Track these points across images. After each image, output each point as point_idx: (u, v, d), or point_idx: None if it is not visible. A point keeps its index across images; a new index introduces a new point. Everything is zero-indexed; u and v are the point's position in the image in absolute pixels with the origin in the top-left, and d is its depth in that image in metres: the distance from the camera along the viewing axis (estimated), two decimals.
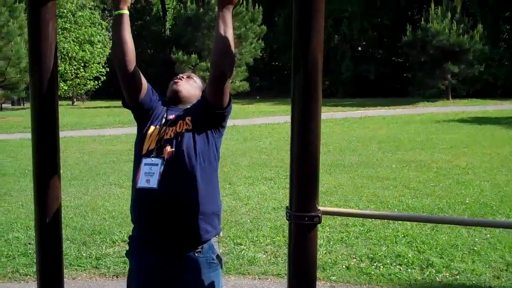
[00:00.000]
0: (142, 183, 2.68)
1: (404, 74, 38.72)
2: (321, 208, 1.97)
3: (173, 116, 2.82)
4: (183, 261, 2.68)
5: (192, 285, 2.69)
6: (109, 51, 44.82)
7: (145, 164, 2.70)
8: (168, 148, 2.70)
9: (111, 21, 2.71)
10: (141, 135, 2.83)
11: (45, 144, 2.32)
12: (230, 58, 2.65)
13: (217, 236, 2.79)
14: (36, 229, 2.37)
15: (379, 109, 28.13)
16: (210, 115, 2.76)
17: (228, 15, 2.61)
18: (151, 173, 2.67)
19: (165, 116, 2.84)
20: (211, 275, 2.71)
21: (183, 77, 2.97)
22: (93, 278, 5.48)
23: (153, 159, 2.70)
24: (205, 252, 2.70)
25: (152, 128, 2.81)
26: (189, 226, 2.68)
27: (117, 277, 5.46)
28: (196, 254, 2.68)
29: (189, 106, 2.89)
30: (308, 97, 1.91)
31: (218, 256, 2.75)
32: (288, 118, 14.23)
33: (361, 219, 6.95)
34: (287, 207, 2.00)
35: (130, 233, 2.92)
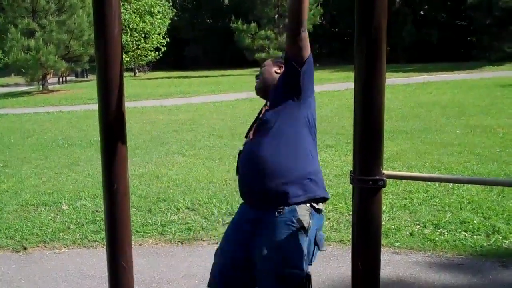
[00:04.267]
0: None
1: (468, 38, 37.68)
2: (385, 172, 1.94)
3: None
4: (264, 218, 2.87)
5: (266, 240, 2.83)
6: (169, 21, 45.39)
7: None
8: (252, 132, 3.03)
9: None
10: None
11: (112, 113, 2.34)
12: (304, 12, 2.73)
13: (306, 203, 2.84)
14: (104, 197, 2.41)
15: (442, 74, 27.53)
16: (288, 79, 2.88)
17: None
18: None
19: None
20: (287, 236, 2.78)
21: (257, 76, 3.20)
22: (159, 244, 5.61)
23: (244, 140, 3.09)
24: (285, 214, 2.80)
25: None
26: (267, 191, 2.84)
27: (182, 244, 5.57)
28: (276, 214, 2.81)
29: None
30: (372, 59, 1.87)
31: (299, 220, 2.79)
32: (349, 85, 14.27)
33: (424, 185, 6.87)
34: (351, 171, 1.98)
35: None
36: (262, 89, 3.12)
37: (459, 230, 5.46)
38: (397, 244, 5.21)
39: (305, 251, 2.78)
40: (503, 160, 8.38)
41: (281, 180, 2.81)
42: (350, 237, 5.38)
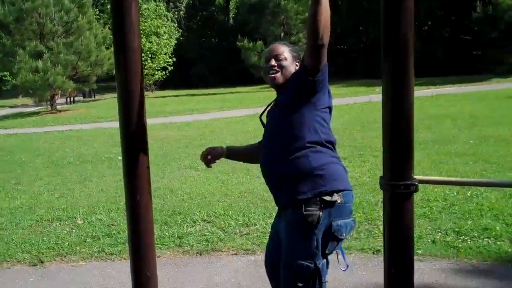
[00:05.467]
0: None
1: (474, 52, 37.60)
2: (416, 176, 1.92)
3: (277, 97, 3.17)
4: (284, 215, 3.06)
5: (284, 236, 3.00)
6: (175, 41, 45.62)
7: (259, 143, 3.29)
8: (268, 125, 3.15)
9: None
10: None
11: (133, 125, 2.34)
12: (328, 28, 2.76)
13: (316, 198, 2.89)
14: (127, 208, 2.39)
15: (450, 87, 27.47)
16: (304, 82, 2.89)
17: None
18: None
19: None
20: (296, 230, 2.93)
21: (275, 68, 3.07)
22: (177, 256, 5.54)
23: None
24: (297, 210, 2.92)
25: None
26: (283, 188, 3.02)
27: (200, 255, 5.50)
28: (291, 210, 2.96)
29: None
30: (401, 69, 1.91)
31: (308, 215, 2.88)
32: (357, 99, 14.36)
33: (442, 194, 6.79)
34: (380, 176, 1.96)
35: None
36: (282, 84, 3.07)
37: (482, 237, 5.37)
38: (420, 251, 5.12)
39: (314, 244, 2.88)
40: None
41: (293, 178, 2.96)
42: (371, 245, 5.31)
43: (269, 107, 3.25)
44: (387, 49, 1.91)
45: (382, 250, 5.21)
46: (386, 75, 1.92)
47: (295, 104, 2.92)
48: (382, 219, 2.00)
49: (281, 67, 3.05)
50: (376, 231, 5.70)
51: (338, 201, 2.90)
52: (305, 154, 2.92)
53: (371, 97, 22.91)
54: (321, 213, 2.86)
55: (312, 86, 2.86)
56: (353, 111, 18.93)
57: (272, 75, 3.05)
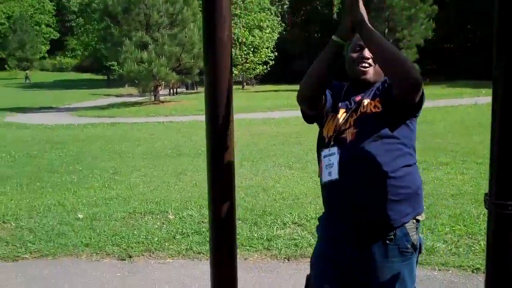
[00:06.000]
0: (325, 177, 2.53)
1: None
2: None
3: (359, 97, 2.58)
4: (373, 249, 2.46)
5: (379, 273, 2.47)
6: (277, 35, 45.66)
7: (324, 157, 2.55)
8: (350, 131, 2.50)
9: (325, 48, 2.47)
10: (321, 129, 2.68)
11: (220, 125, 2.27)
12: (407, 63, 2.29)
13: (414, 220, 2.52)
14: (209, 208, 2.35)
15: None
16: (402, 106, 2.44)
17: (368, 27, 2.33)
18: (331, 164, 2.50)
19: (347, 100, 2.63)
20: (402, 264, 2.47)
21: (367, 61, 2.58)
22: (264, 260, 5.40)
23: (330, 149, 2.52)
24: (397, 240, 2.45)
25: (330, 116, 2.63)
26: (378, 213, 2.44)
27: (288, 260, 5.34)
28: (388, 242, 2.45)
29: (377, 85, 2.59)
30: None
31: (413, 244, 2.49)
32: (461, 101, 13.67)
33: None
34: (485, 194, 1.75)
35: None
36: (374, 83, 2.61)
37: None
38: None
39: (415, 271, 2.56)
40: None
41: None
42: (471, 262, 4.95)
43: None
44: (500, 48, 1.67)
45: (482, 268, 4.87)
46: (498, 77, 1.70)
47: (393, 114, 2.49)
48: (484, 233, 1.80)
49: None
50: (477, 247, 5.32)
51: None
52: (405, 169, 2.57)
53: (477, 99, 21.96)
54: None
55: (411, 110, 2.48)
56: (457, 113, 18.21)
57: (365, 69, 2.58)
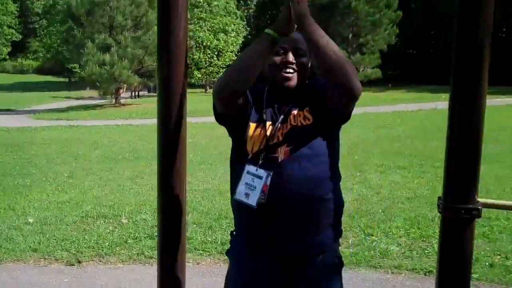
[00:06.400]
0: (240, 195, 2.24)
1: None
2: (480, 200, 1.66)
3: (285, 107, 2.29)
4: (304, 268, 2.29)
5: None
6: (242, 39, 45.62)
7: (248, 172, 2.23)
8: (282, 149, 2.22)
9: (257, 40, 2.23)
10: (243, 138, 2.31)
11: (170, 128, 2.25)
12: (353, 68, 2.09)
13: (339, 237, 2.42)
14: (158, 212, 2.35)
15: None
16: (333, 114, 2.24)
17: (313, 21, 2.09)
18: (252, 186, 2.21)
19: (271, 107, 2.32)
20: (333, 278, 2.36)
21: (291, 66, 2.27)
22: (217, 264, 5.31)
23: (258, 170, 2.20)
24: (326, 256, 2.31)
25: (253, 125, 2.29)
26: (307, 236, 2.25)
27: None
28: (318, 259, 2.29)
29: (302, 91, 2.32)
30: (474, 79, 1.73)
31: (339, 258, 2.38)
32: (421, 106, 13.78)
33: (505, 212, 6.33)
34: (439, 197, 1.81)
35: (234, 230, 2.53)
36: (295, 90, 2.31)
37: None
38: (476, 276, 4.72)
39: None
40: None
41: None
42: (424, 265, 4.94)
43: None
44: (459, 55, 1.73)
45: (434, 271, 4.86)
46: (456, 82, 1.75)
47: (324, 123, 2.28)
48: (438, 237, 1.74)
49: (301, 66, 2.30)
50: (430, 250, 5.31)
51: None
52: (335, 185, 2.40)
53: (437, 104, 22.23)
54: None
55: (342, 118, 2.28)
56: (417, 118, 18.39)
57: (288, 75, 2.28)
